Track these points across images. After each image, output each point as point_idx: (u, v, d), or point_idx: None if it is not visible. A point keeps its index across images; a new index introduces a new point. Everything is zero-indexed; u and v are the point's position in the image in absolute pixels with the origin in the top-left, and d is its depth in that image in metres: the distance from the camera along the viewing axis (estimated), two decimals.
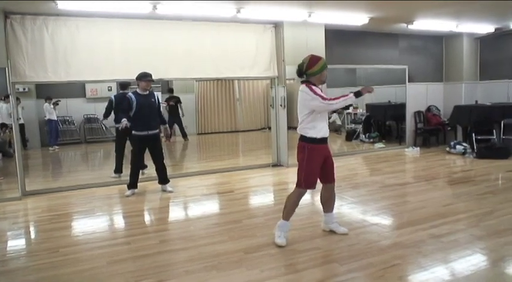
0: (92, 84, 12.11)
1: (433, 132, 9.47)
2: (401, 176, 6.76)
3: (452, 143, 8.52)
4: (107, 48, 6.21)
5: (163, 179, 5.86)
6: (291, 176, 6.82)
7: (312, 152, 3.65)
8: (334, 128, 11.25)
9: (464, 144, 8.34)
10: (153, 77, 5.63)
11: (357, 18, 7.23)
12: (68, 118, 12.21)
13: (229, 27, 7.00)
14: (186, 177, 6.81)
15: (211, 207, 5.33)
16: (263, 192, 5.93)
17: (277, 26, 7.39)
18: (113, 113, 6.62)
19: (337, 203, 5.08)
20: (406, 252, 3.46)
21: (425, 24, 7.99)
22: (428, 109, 9.56)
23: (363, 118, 10.59)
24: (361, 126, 10.50)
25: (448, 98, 9.65)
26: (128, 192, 5.72)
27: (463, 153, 8.13)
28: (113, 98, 6.69)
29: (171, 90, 12.57)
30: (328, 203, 3.97)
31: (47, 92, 10.87)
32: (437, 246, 3.55)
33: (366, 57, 8.79)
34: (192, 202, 5.45)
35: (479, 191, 5.44)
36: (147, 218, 4.96)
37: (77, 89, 12.14)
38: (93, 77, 6.26)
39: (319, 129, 3.66)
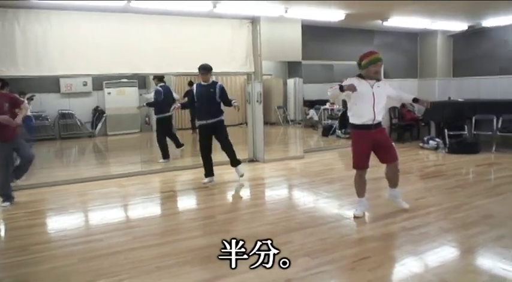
0: (67, 79, 11.84)
1: (407, 127, 9.65)
2: (376, 170, 6.77)
3: (425, 139, 8.70)
4: (79, 43, 6.12)
5: (232, 161, 6.01)
6: (267, 171, 6.86)
7: (354, 137, 4.18)
8: (310, 124, 11.32)
9: (437, 139, 8.52)
10: (126, 71, 6.53)
11: (333, 15, 7.29)
12: (41, 113, 11.94)
13: (205, 22, 6.97)
14: (161, 173, 6.77)
15: (186, 202, 5.32)
16: (239, 187, 5.94)
17: (253, 21, 7.39)
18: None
19: (311, 198, 5.20)
20: (378, 245, 3.53)
21: (400, 21, 8.12)
22: (403, 105, 9.71)
23: (339, 114, 10.68)
24: (337, 121, 10.59)
25: (422, 94, 9.79)
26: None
27: (436, 148, 8.32)
28: (160, 89, 7.25)
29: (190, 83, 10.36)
30: (390, 180, 4.42)
31: (20, 86, 10.59)
32: (408, 239, 3.63)
33: (342, 53, 8.86)
34: (166, 198, 5.43)
35: (450, 185, 5.58)
36: (121, 214, 4.91)
37: (51, 84, 11.84)
38: (66, 71, 6.20)
39: (358, 116, 4.03)
